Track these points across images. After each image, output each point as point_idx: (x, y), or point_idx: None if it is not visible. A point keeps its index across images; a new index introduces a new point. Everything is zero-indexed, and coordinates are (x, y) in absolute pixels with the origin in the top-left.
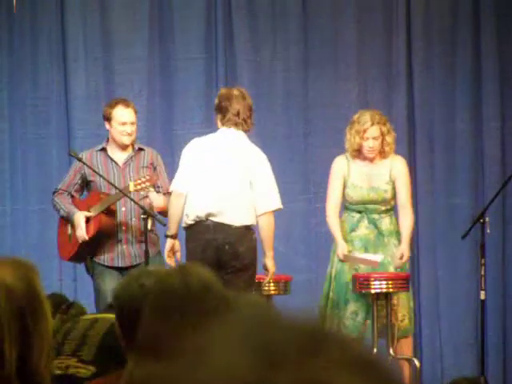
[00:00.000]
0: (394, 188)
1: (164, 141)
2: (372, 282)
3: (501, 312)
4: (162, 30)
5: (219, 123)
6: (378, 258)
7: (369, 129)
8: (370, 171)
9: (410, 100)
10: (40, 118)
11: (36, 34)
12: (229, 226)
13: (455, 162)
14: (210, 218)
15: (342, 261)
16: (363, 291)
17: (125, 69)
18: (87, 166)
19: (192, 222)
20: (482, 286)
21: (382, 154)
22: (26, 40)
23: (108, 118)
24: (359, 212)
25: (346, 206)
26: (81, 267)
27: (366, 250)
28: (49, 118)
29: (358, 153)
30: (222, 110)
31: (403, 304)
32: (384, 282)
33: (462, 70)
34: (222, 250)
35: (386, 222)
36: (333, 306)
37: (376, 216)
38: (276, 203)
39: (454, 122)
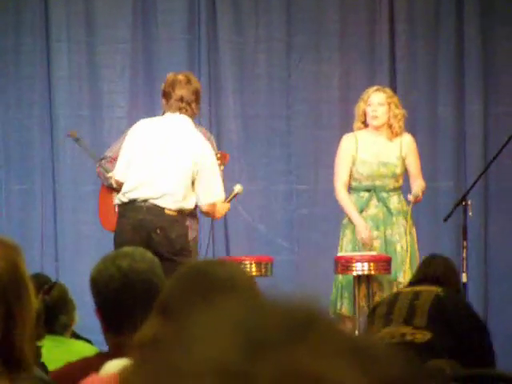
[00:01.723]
0: (403, 165)
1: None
2: (353, 265)
3: (482, 295)
4: (145, 11)
5: (164, 108)
6: (372, 253)
7: (373, 94)
8: (380, 146)
9: (393, 84)
10: (23, 99)
11: (19, 15)
12: (162, 210)
13: (437, 146)
14: (144, 200)
15: (363, 243)
16: (345, 273)
17: (108, 50)
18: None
19: (126, 201)
20: (464, 268)
21: (392, 131)
22: (8, 21)
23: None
24: (368, 191)
25: (353, 188)
26: (63, 247)
27: (378, 229)
28: (32, 99)
29: (365, 125)
30: (165, 95)
31: (397, 282)
32: (366, 264)
33: (444, 54)
34: (153, 232)
35: (394, 201)
36: (342, 290)
37: (385, 194)
38: (219, 194)
39: (437, 105)
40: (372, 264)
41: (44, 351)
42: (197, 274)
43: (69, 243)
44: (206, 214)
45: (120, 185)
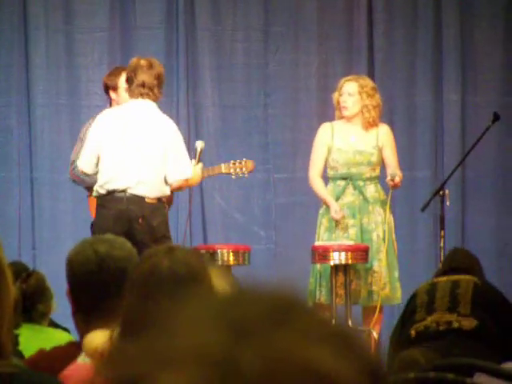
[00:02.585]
0: (379, 155)
1: None
2: (331, 254)
3: None
4: (123, 0)
5: (128, 94)
6: (349, 243)
7: (345, 83)
8: (356, 135)
9: (371, 73)
10: (0, 87)
11: None
12: (142, 199)
13: (415, 135)
14: (123, 190)
15: (336, 219)
16: (322, 263)
17: (85, 39)
18: None
19: (104, 192)
20: (441, 258)
21: (365, 121)
22: None
23: None
24: (344, 179)
25: (330, 177)
26: (40, 235)
27: (354, 217)
28: (9, 87)
29: (340, 114)
30: (128, 80)
31: (385, 272)
32: (343, 254)
33: (422, 43)
34: (135, 222)
35: (371, 190)
36: (321, 279)
37: (361, 183)
38: (187, 172)
39: (415, 95)
40: (349, 253)
41: (21, 339)
42: (167, 280)
43: (46, 231)
44: (178, 189)
45: (86, 175)
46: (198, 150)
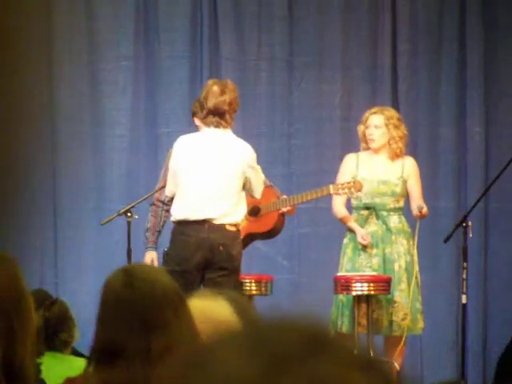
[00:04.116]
0: (404, 187)
1: (148, 140)
2: (353, 284)
3: (481, 317)
4: (148, 29)
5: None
6: (372, 274)
7: (371, 116)
8: (381, 165)
9: (395, 104)
10: (23, 117)
11: (22, 32)
12: (223, 227)
13: (439, 167)
14: (204, 219)
15: (364, 246)
16: (344, 293)
17: (110, 67)
18: None
19: (185, 220)
20: (464, 289)
21: (392, 152)
22: (12, 37)
23: None
24: (368, 209)
25: (354, 207)
26: (62, 265)
27: (377, 247)
28: (33, 114)
29: (367, 146)
30: (200, 107)
31: (406, 303)
32: (365, 285)
33: (447, 74)
34: (216, 250)
35: (394, 220)
36: (343, 309)
37: (385, 213)
38: (264, 179)
39: (438, 126)
40: (371, 284)
41: (44, 368)
42: (126, 305)
43: (69, 261)
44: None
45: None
46: None
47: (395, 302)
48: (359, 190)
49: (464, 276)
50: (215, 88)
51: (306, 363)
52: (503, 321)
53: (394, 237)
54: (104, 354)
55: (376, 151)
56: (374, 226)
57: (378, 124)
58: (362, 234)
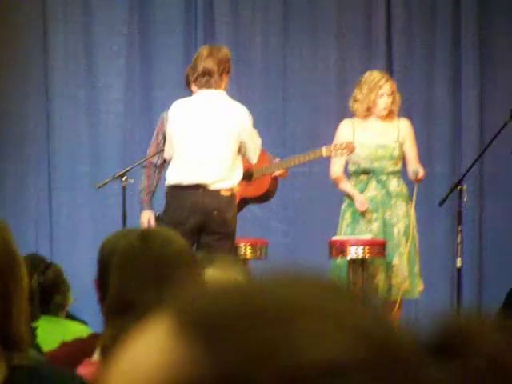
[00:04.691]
0: (401, 149)
1: (143, 104)
2: (348, 248)
3: (477, 280)
4: None
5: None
6: (367, 237)
7: (384, 85)
8: (378, 130)
9: (389, 68)
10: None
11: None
12: (218, 192)
13: (433, 130)
14: (198, 183)
15: (361, 213)
16: (339, 257)
17: (104, 31)
18: None
19: (179, 184)
20: (459, 253)
21: (390, 114)
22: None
23: None
24: (367, 173)
25: (352, 172)
26: (57, 229)
27: (376, 211)
28: (28, 78)
29: (370, 112)
30: (192, 71)
31: (405, 267)
32: (360, 248)
33: (441, 39)
34: (210, 215)
35: (393, 184)
36: (341, 274)
37: (384, 177)
38: (260, 142)
39: (433, 90)
40: (366, 248)
41: (39, 332)
42: (142, 258)
43: (63, 225)
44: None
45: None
46: None
47: (394, 266)
48: (352, 152)
49: (459, 240)
50: (204, 51)
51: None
52: (498, 284)
53: (393, 200)
54: (115, 309)
55: (383, 118)
56: (373, 191)
57: (389, 92)
58: (361, 200)
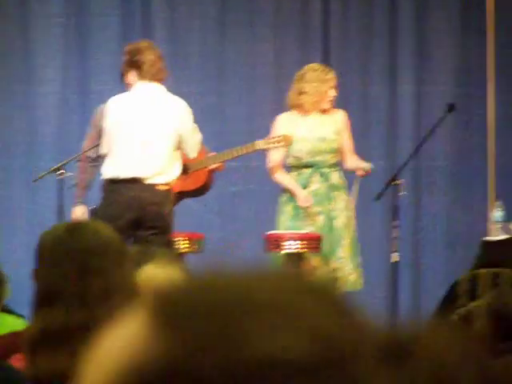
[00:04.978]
0: (340, 141)
1: (79, 97)
2: (283, 243)
3: (414, 274)
4: None
5: (136, 78)
6: (303, 232)
7: (333, 78)
8: (318, 123)
9: (327, 61)
10: None
11: None
12: (154, 186)
13: (369, 125)
14: (135, 177)
15: (307, 207)
16: (275, 251)
17: (41, 24)
18: None
19: (114, 178)
20: (395, 248)
21: (328, 109)
22: None
23: None
24: (309, 167)
25: (293, 165)
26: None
27: (321, 204)
28: None
29: (317, 105)
30: (133, 64)
31: (351, 258)
32: (297, 242)
33: (378, 33)
34: (147, 210)
35: (335, 176)
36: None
37: (326, 170)
38: (200, 137)
39: (370, 84)
40: (302, 242)
41: None
42: (68, 249)
43: (0, 219)
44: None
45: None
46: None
47: (340, 258)
48: (289, 144)
49: (395, 234)
50: (141, 44)
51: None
52: (435, 279)
53: (336, 193)
54: (42, 299)
55: (325, 111)
56: (316, 184)
57: (336, 84)
58: (304, 195)
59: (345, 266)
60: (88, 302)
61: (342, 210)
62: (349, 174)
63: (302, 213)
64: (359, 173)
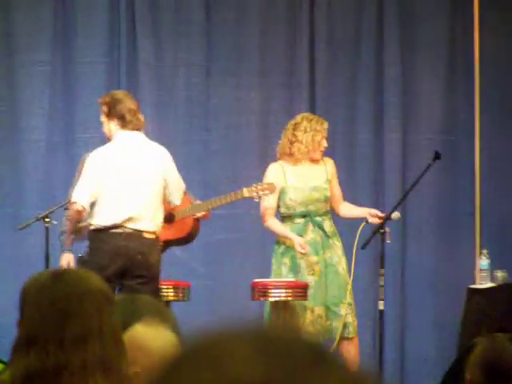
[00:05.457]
0: (330, 189)
1: (65, 145)
2: (270, 291)
3: (399, 323)
4: (66, 34)
5: (118, 127)
6: (289, 279)
7: (326, 129)
8: (308, 172)
9: (312, 110)
10: None
11: None
12: (141, 235)
13: (356, 173)
14: (124, 225)
15: (303, 253)
16: (261, 299)
17: (27, 72)
18: None
19: (101, 227)
20: (381, 295)
21: (316, 159)
22: None
23: None
24: (302, 217)
25: (286, 215)
26: None
27: (317, 254)
28: None
29: (309, 154)
30: (115, 114)
31: (345, 302)
32: (283, 291)
33: (364, 81)
34: (134, 259)
35: (327, 224)
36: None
37: (319, 218)
38: (183, 184)
39: (356, 132)
40: (289, 290)
41: None
42: (50, 296)
43: None
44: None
45: (80, 212)
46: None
47: (350, 304)
48: (273, 192)
49: (381, 282)
50: (119, 93)
51: (307, 373)
52: (421, 328)
53: (331, 241)
54: (20, 345)
55: (315, 160)
56: (311, 234)
57: (326, 135)
58: (300, 242)
59: (352, 312)
60: (64, 346)
61: (341, 257)
62: (339, 221)
63: (300, 264)
64: (373, 220)
